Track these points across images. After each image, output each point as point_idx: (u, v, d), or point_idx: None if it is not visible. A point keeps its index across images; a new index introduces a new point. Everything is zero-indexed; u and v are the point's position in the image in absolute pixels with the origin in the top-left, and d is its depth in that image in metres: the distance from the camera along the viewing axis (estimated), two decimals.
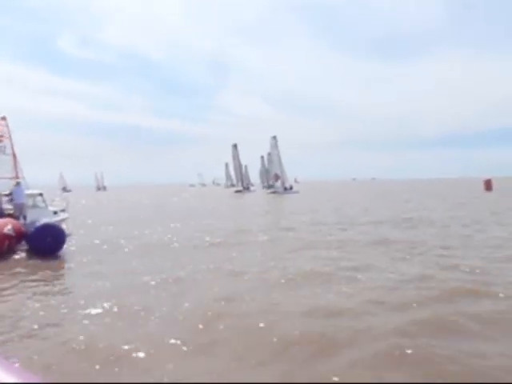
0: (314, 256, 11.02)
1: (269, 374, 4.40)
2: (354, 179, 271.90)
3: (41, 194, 15.34)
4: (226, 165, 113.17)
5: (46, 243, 11.52)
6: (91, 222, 21.76)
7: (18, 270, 9.87)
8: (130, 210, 33.39)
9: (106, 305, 6.80)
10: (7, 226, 11.63)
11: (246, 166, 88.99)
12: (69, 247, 12.72)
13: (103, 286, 8.23)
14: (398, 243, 12.70)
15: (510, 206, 27.08)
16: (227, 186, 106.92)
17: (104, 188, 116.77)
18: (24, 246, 12.23)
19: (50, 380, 3.60)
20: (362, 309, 6.40)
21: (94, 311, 6.56)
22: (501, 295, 6.90)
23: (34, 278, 9.10)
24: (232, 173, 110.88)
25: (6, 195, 14.00)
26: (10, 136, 15.96)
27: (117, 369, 4.54)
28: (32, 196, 14.89)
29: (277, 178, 65.02)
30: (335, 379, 4.25)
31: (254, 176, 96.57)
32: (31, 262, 10.87)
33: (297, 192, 61.70)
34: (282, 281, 8.36)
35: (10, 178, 15.53)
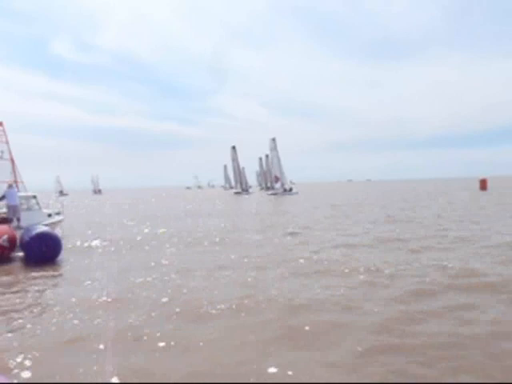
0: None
1: None
2: (349, 181, 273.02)
3: (34, 197, 15.29)
4: (225, 167, 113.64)
5: (41, 252, 11.33)
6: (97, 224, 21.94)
7: (14, 276, 9.83)
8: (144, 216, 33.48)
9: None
10: (3, 237, 11.57)
11: (243, 168, 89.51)
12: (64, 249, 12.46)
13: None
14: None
15: (497, 204, 28.83)
16: (226, 188, 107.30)
17: (99, 191, 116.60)
18: (19, 251, 12.05)
19: (20, 381, 3.62)
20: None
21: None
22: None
23: (29, 283, 9.06)
24: (230, 175, 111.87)
25: (0, 198, 13.83)
26: (7, 141, 16.16)
27: None
28: (26, 198, 14.79)
29: (277, 179, 65.47)
30: None
31: (251, 178, 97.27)
32: (26, 267, 10.80)
33: (296, 193, 62.28)
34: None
35: (9, 182, 15.47)
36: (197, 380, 4.35)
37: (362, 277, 8.63)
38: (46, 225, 14.08)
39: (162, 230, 18.10)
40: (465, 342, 5.13)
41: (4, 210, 13.69)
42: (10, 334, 5.77)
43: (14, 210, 13.40)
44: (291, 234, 16.08)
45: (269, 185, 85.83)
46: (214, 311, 6.58)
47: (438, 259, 10.01)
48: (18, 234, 12.43)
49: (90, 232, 17.98)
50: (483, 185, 53.40)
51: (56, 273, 10.18)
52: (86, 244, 14.58)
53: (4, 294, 8.06)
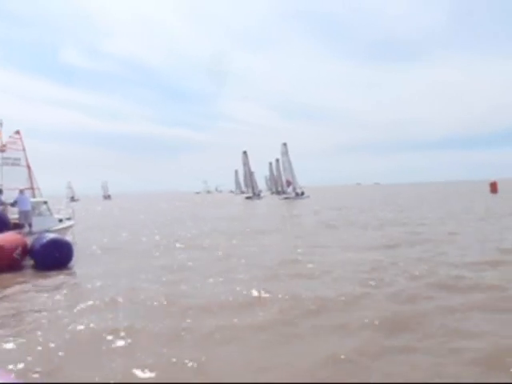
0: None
1: None
2: (357, 184, 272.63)
3: (45, 202, 15.48)
4: (236, 172, 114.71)
5: (53, 259, 11.41)
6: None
7: (26, 279, 10.15)
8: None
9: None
10: (17, 250, 11.58)
11: (253, 173, 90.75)
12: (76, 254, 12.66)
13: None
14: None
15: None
16: (236, 193, 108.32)
17: (109, 197, 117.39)
18: (29, 259, 12.12)
19: (25, 380, 3.65)
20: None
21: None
22: None
23: (40, 287, 9.29)
24: (241, 179, 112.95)
25: (11, 204, 13.88)
26: (24, 148, 16.55)
27: None
28: (37, 204, 14.84)
29: (289, 183, 66.71)
30: None
31: (260, 182, 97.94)
32: (38, 274, 10.90)
33: (308, 197, 63.48)
34: None
35: (26, 189, 15.86)
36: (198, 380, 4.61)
37: None
38: (57, 230, 14.39)
39: None
40: None
41: (16, 215, 13.72)
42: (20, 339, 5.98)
43: (25, 215, 13.49)
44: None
45: (279, 189, 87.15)
46: None
47: None
48: (29, 240, 12.51)
49: (101, 237, 18.64)
50: (494, 187, 52.91)
51: (68, 278, 10.34)
52: (97, 249, 15.03)
53: (17, 300, 8.25)
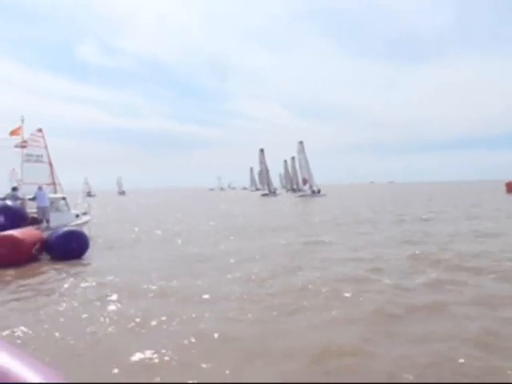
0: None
1: None
2: (371, 182, 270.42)
3: (64, 198, 15.85)
4: (251, 169, 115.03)
5: (68, 249, 11.81)
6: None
7: (44, 270, 10.49)
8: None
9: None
10: (36, 245, 11.88)
11: (268, 171, 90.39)
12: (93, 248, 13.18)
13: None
14: None
15: None
16: (252, 190, 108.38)
17: (123, 193, 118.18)
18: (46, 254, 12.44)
19: (76, 380, 3.65)
20: None
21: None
22: None
23: (60, 277, 9.66)
24: (256, 176, 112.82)
25: (31, 199, 14.23)
26: (46, 146, 16.99)
27: None
28: (55, 200, 15.10)
29: (305, 181, 66.43)
30: None
31: (274, 180, 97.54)
32: (55, 265, 11.22)
33: (324, 195, 63.08)
34: None
35: (48, 184, 16.58)
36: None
37: None
38: (74, 225, 14.56)
39: None
40: None
41: (35, 209, 14.03)
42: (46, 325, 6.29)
43: (43, 211, 13.74)
44: None
45: (294, 187, 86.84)
46: None
47: None
48: (46, 235, 12.78)
49: (117, 231, 19.25)
50: (510, 188, 53.81)
51: (84, 268, 10.87)
52: (114, 242, 15.54)
53: (36, 290, 8.53)
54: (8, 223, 12.24)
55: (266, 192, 77.90)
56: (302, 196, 62.93)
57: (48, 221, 13.58)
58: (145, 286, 8.46)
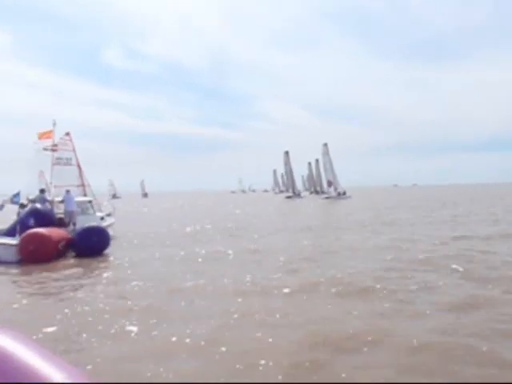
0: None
1: None
2: (395, 185, 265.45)
3: (90, 201, 16.28)
4: (274, 171, 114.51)
5: (91, 243, 12.41)
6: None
7: (69, 269, 10.69)
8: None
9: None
10: (61, 242, 12.40)
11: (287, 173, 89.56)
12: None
13: None
14: None
15: None
16: (276, 192, 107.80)
17: (146, 195, 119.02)
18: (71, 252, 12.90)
19: (99, 380, 3.64)
20: None
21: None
22: None
23: (82, 274, 10.09)
24: (279, 179, 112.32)
25: (60, 202, 14.62)
26: (74, 149, 17.49)
27: None
28: (82, 203, 15.43)
29: (330, 183, 65.73)
30: None
31: (297, 182, 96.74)
32: (80, 261, 11.81)
33: (349, 197, 62.23)
34: None
35: (77, 186, 17.23)
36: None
37: None
38: None
39: None
40: None
41: (62, 210, 14.44)
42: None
43: (70, 215, 14.05)
44: None
45: (318, 189, 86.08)
46: None
47: None
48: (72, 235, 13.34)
49: (141, 231, 19.46)
50: None
51: (105, 264, 11.54)
52: (137, 241, 16.08)
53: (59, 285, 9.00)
54: (37, 225, 12.56)
55: (291, 194, 77.44)
56: (327, 198, 62.28)
57: (75, 224, 13.78)
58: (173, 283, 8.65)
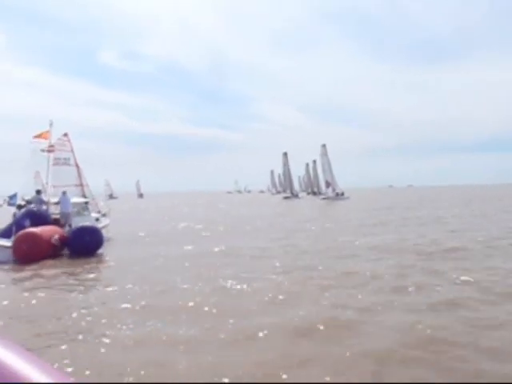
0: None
1: None
2: (390, 186, 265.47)
3: (86, 203, 16.22)
4: (272, 172, 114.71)
5: (84, 242, 12.40)
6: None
7: (61, 268, 10.72)
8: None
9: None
10: (54, 236, 12.43)
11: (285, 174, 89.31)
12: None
13: None
14: None
15: None
16: (272, 193, 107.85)
17: (141, 195, 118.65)
18: (66, 251, 12.96)
19: (83, 381, 3.72)
20: None
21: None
22: None
23: (74, 273, 10.13)
24: (276, 180, 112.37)
25: (56, 203, 14.80)
26: (72, 149, 17.51)
27: None
28: (77, 204, 15.42)
29: (328, 184, 65.73)
30: None
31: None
32: (71, 264, 11.63)
33: (347, 198, 62.05)
34: None
35: (76, 186, 17.31)
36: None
37: None
38: None
39: None
40: None
41: (58, 211, 14.59)
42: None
43: (66, 216, 14.10)
44: None
45: (315, 190, 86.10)
46: None
47: None
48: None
49: (136, 230, 19.57)
50: None
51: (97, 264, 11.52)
52: (132, 240, 16.32)
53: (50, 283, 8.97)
54: (33, 226, 12.62)
55: (289, 195, 77.33)
56: (325, 199, 62.24)
57: (70, 225, 13.77)
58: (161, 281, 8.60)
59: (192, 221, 24.82)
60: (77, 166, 17.75)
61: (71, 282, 9.22)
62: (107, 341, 5.41)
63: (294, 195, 77.99)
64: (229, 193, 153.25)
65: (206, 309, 6.67)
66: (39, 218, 13.34)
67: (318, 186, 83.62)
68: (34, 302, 7.57)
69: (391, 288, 7.81)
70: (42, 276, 9.70)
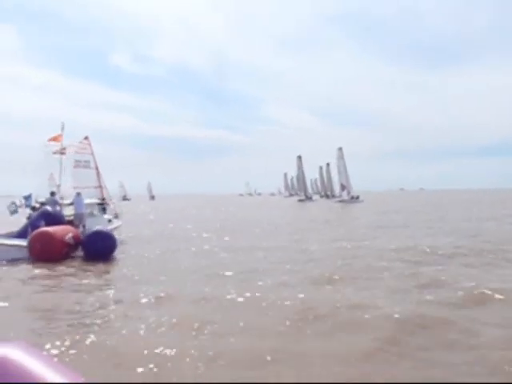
0: None
1: None
2: (401, 189, 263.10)
3: (100, 204, 16.78)
4: (285, 175, 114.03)
5: (97, 247, 12.46)
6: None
7: (73, 270, 10.80)
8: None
9: None
10: (68, 234, 12.57)
11: (299, 176, 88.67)
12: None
13: None
14: None
15: None
16: (285, 196, 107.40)
17: (153, 197, 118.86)
18: (80, 252, 13.07)
19: (94, 380, 3.79)
20: None
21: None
22: None
23: (86, 277, 10.05)
24: (289, 182, 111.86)
25: (70, 204, 15.17)
26: (92, 152, 17.95)
27: None
28: (91, 206, 15.76)
29: (343, 187, 65.37)
30: None
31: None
32: (85, 264, 11.83)
33: (362, 201, 61.66)
34: None
35: (95, 187, 17.77)
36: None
37: None
38: None
39: None
40: None
41: (71, 212, 14.85)
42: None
43: (80, 217, 14.32)
44: None
45: (328, 193, 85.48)
46: None
47: None
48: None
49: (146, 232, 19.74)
50: None
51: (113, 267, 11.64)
52: (143, 242, 16.32)
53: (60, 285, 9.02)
54: (47, 226, 12.86)
55: (303, 198, 77.10)
56: (340, 202, 61.79)
57: (84, 226, 14.00)
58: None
59: (220, 226, 24.16)
60: (96, 168, 18.12)
61: (84, 281, 9.32)
62: (121, 339, 5.43)
63: (308, 198, 77.72)
64: (241, 195, 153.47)
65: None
66: (53, 219, 13.50)
67: (332, 189, 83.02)
68: (47, 298, 7.59)
69: None
70: (56, 274, 9.96)
